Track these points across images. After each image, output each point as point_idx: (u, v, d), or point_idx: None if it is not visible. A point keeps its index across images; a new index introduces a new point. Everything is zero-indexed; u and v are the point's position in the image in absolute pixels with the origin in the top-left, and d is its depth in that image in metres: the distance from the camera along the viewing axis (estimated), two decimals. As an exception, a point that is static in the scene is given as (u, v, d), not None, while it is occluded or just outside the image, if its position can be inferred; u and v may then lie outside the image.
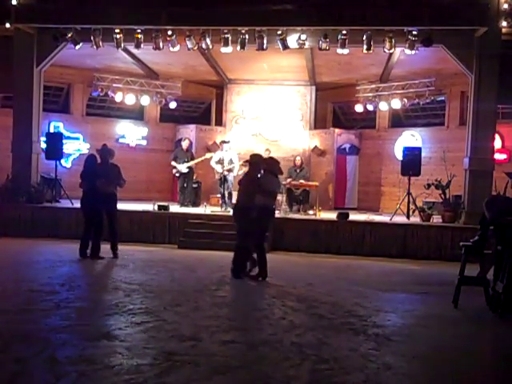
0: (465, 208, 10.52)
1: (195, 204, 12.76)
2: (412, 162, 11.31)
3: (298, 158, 12.99)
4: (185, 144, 12.95)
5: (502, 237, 5.80)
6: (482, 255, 6.28)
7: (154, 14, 10.77)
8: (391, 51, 10.86)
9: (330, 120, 16.00)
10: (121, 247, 8.83)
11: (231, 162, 12.22)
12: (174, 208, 11.86)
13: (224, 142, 12.34)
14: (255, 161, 7.66)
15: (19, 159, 11.60)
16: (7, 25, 11.40)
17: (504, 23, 10.26)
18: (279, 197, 12.89)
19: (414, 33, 10.21)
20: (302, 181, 12.28)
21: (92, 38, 10.93)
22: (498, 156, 11.88)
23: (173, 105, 15.19)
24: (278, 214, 11.53)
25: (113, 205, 8.73)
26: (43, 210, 11.23)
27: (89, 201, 8.45)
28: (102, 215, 8.53)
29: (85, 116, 14.92)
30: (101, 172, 8.46)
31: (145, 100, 14.92)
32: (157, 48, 11.03)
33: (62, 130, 13.98)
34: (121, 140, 15.09)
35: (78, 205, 11.53)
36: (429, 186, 11.09)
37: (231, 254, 9.55)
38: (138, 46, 11.09)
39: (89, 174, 8.49)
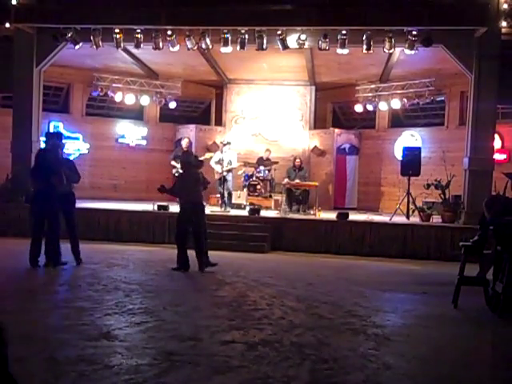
0: (464, 208, 10.52)
1: (195, 204, 12.74)
2: (412, 162, 11.32)
3: (298, 159, 13.00)
4: (185, 143, 12.95)
5: (501, 237, 5.80)
6: (481, 255, 6.28)
7: (154, 13, 10.77)
8: (391, 51, 10.86)
9: (330, 120, 16.00)
10: (121, 247, 8.83)
11: (230, 162, 12.23)
12: (174, 208, 11.84)
13: (224, 144, 12.34)
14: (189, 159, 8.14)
15: (19, 159, 11.58)
16: (7, 25, 11.41)
17: (504, 23, 10.27)
18: (279, 197, 12.94)
19: (414, 33, 10.21)
20: (300, 180, 12.28)
21: (92, 37, 10.92)
22: (497, 156, 11.88)
23: (172, 105, 15.19)
24: (277, 214, 11.57)
25: (71, 205, 7.93)
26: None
27: (41, 201, 7.49)
28: (59, 217, 7.66)
29: (84, 116, 14.92)
30: (54, 168, 7.50)
31: (144, 100, 14.91)
32: (157, 48, 11.03)
33: (61, 129, 13.97)
34: (120, 140, 15.09)
35: (78, 204, 11.59)
36: (428, 186, 11.09)
37: (231, 254, 9.56)
38: (137, 46, 11.09)
39: (41, 170, 7.56)
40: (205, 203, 12.34)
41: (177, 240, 7.90)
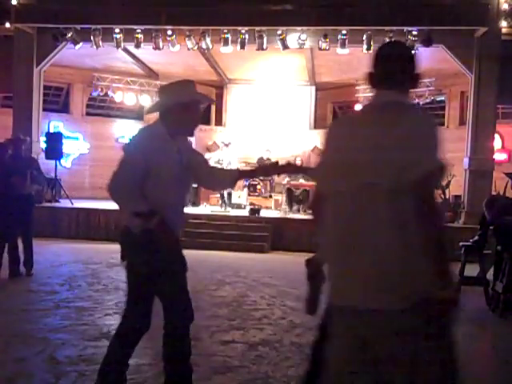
0: (464, 208, 10.52)
1: (195, 204, 12.75)
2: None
3: (299, 158, 12.99)
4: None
5: (501, 237, 5.80)
6: (481, 255, 6.28)
7: (154, 13, 10.77)
8: (391, 51, 10.86)
9: (330, 120, 15.98)
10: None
11: (230, 162, 12.23)
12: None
13: (225, 145, 12.34)
14: None
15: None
16: (7, 25, 11.41)
17: (504, 23, 10.28)
18: (279, 197, 12.93)
19: (414, 33, 10.22)
20: (301, 181, 12.27)
21: (92, 37, 10.93)
22: (497, 156, 11.88)
23: (173, 105, 15.18)
24: (277, 214, 11.57)
25: (28, 209, 6.89)
26: (43, 210, 11.21)
27: None
28: (16, 222, 6.79)
29: (84, 116, 14.92)
30: (15, 167, 6.73)
31: (145, 100, 14.91)
32: (157, 48, 11.04)
33: (61, 129, 13.98)
34: (121, 140, 15.07)
35: (78, 204, 11.63)
36: (429, 185, 11.07)
37: (231, 254, 9.57)
38: (137, 46, 11.10)
39: None
40: (205, 203, 12.34)
41: None
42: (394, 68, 1.92)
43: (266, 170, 3.65)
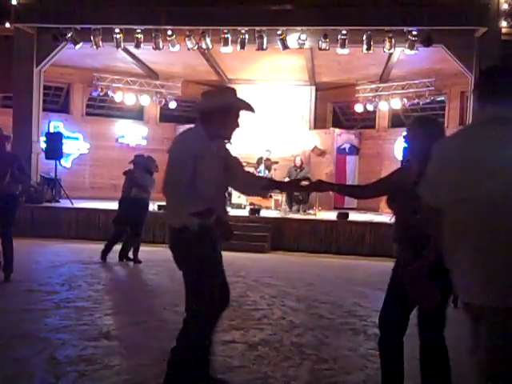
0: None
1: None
2: (412, 162, 11.31)
3: (298, 158, 12.99)
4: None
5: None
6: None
7: (154, 13, 10.78)
8: (391, 51, 10.87)
9: (330, 120, 16.01)
10: (120, 246, 8.79)
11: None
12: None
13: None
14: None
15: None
16: (7, 25, 11.42)
17: (504, 23, 10.28)
18: (279, 197, 12.93)
19: (414, 33, 10.23)
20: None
21: (92, 37, 10.94)
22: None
23: (173, 105, 15.19)
24: (277, 214, 11.57)
25: (8, 210, 6.41)
26: (43, 210, 11.23)
27: None
28: None
29: (85, 116, 14.93)
30: None
31: (145, 100, 14.92)
32: (157, 48, 11.05)
33: (61, 129, 13.98)
34: (120, 140, 15.10)
35: (78, 204, 11.63)
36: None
37: (231, 254, 9.54)
38: (137, 46, 11.11)
39: None
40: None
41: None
42: (503, 84, 2.05)
43: (295, 186, 3.75)
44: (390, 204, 3.10)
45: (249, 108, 3.33)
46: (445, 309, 2.97)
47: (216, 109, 3.05)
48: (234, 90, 3.22)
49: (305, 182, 3.54)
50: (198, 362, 3.15)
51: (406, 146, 3.07)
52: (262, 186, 3.42)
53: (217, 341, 4.44)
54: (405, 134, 3.06)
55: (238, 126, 3.22)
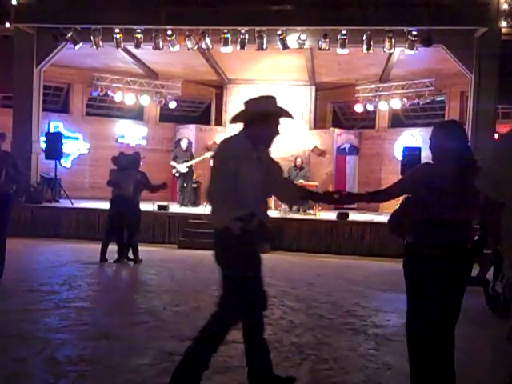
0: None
1: (195, 204, 12.77)
2: (412, 162, 11.24)
3: (299, 159, 12.99)
4: (184, 144, 12.96)
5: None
6: (481, 255, 6.27)
7: (154, 13, 10.78)
8: (391, 51, 10.87)
9: (330, 120, 16.00)
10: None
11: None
12: (174, 208, 11.86)
13: None
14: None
15: (19, 159, 11.56)
16: (7, 25, 11.42)
17: (504, 23, 10.28)
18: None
19: (414, 33, 10.23)
20: (301, 181, 12.26)
21: (92, 37, 10.94)
22: (497, 156, 11.87)
23: (172, 105, 15.19)
24: (277, 214, 11.57)
25: (4, 211, 6.32)
26: (43, 210, 11.23)
27: None
28: None
29: (84, 116, 14.92)
30: None
31: (144, 100, 14.91)
32: (157, 48, 11.04)
33: (61, 129, 13.98)
34: (120, 140, 15.08)
35: (78, 204, 11.63)
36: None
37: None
38: (137, 46, 11.11)
39: None
40: (205, 203, 12.27)
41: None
42: None
43: (329, 198, 3.74)
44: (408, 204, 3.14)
45: (288, 115, 3.37)
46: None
47: (258, 116, 3.15)
48: (274, 98, 3.28)
49: (337, 195, 3.54)
50: (207, 359, 3.25)
51: (433, 147, 3.13)
52: (299, 196, 3.52)
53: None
54: (431, 136, 3.15)
55: (278, 133, 3.28)
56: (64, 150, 12.96)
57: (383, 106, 14.23)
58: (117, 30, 10.88)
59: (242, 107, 3.28)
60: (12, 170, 6.18)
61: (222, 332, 3.23)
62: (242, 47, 10.84)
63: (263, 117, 3.15)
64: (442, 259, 2.93)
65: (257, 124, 3.16)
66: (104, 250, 8.19)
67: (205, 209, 11.90)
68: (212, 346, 3.22)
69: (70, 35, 10.97)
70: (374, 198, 3.66)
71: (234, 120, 3.35)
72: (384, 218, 11.22)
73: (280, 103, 3.30)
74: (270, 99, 3.26)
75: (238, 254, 3.10)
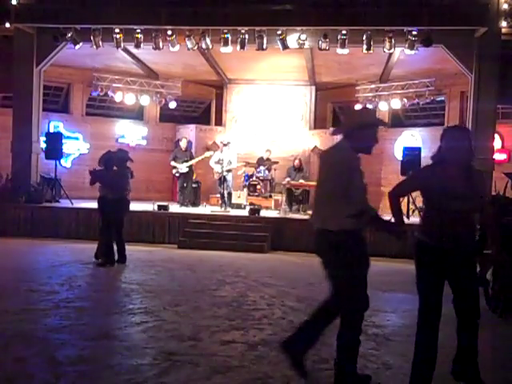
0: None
1: (195, 204, 12.77)
2: (412, 162, 11.30)
3: (296, 160, 12.96)
4: (183, 143, 12.96)
5: (501, 237, 5.79)
6: (481, 255, 6.27)
7: (154, 13, 10.77)
8: (391, 51, 10.86)
9: (330, 120, 15.99)
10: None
11: (230, 162, 12.23)
12: (174, 208, 11.86)
13: (224, 144, 12.34)
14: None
15: (19, 159, 11.60)
16: (7, 25, 11.42)
17: (504, 23, 10.28)
18: (279, 197, 12.94)
19: (414, 33, 10.22)
20: (301, 181, 12.28)
21: (92, 37, 10.93)
22: (497, 156, 11.87)
23: (172, 105, 15.19)
24: (277, 214, 11.57)
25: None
26: (43, 210, 11.23)
27: None
28: None
29: (84, 116, 14.91)
30: None
31: (144, 100, 14.91)
32: (157, 48, 11.04)
33: (61, 129, 13.98)
34: (120, 140, 15.07)
35: (78, 205, 11.63)
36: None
37: (231, 254, 9.56)
38: (137, 46, 11.10)
39: None
40: (205, 203, 12.29)
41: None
42: None
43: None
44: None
45: (384, 124, 4.04)
46: None
47: (360, 127, 3.49)
48: (373, 110, 3.83)
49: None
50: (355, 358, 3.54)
51: (444, 149, 3.42)
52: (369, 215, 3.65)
53: (217, 341, 4.45)
54: (443, 139, 3.47)
55: (377, 141, 3.61)
56: (64, 150, 12.96)
57: (383, 106, 14.22)
58: (117, 30, 10.87)
59: (343, 119, 3.68)
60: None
61: (357, 320, 3.53)
62: (242, 47, 10.83)
63: (366, 128, 3.50)
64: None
65: (361, 134, 3.48)
66: (111, 251, 7.98)
67: (205, 209, 11.92)
68: (354, 342, 3.51)
69: (70, 35, 10.96)
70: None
71: (336, 132, 3.78)
72: (384, 218, 11.24)
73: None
74: (371, 111, 3.73)
75: (350, 255, 3.42)
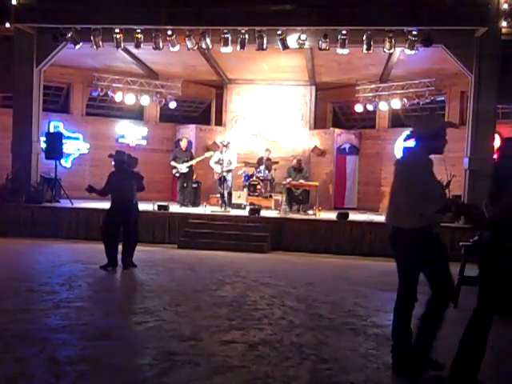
0: (465, 208, 10.51)
1: (195, 204, 12.77)
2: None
3: (294, 160, 12.94)
4: (183, 143, 12.96)
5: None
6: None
7: (154, 13, 10.77)
8: (391, 51, 10.86)
9: (330, 120, 16.01)
10: (121, 247, 8.77)
11: (230, 162, 12.23)
12: (174, 208, 11.86)
13: (224, 144, 12.34)
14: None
15: (19, 159, 11.60)
16: (7, 25, 11.41)
17: (504, 23, 10.27)
18: (279, 197, 12.94)
19: (414, 33, 10.21)
20: (301, 181, 12.27)
21: (92, 37, 10.93)
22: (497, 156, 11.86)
23: (173, 105, 15.19)
24: (277, 214, 11.57)
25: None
26: (43, 210, 11.23)
27: None
28: None
29: (85, 116, 14.92)
30: None
31: (145, 100, 14.92)
32: (157, 48, 11.04)
33: (61, 129, 13.98)
34: (121, 140, 15.09)
35: (78, 205, 11.63)
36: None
37: (231, 254, 9.57)
38: (137, 46, 11.10)
39: None
40: (205, 203, 12.27)
41: (105, 237, 7.86)
42: None
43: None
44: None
45: (453, 125, 4.27)
46: None
47: (435, 132, 3.82)
48: (440, 115, 4.08)
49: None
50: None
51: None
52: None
53: (217, 341, 4.45)
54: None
55: (447, 142, 3.89)
56: (64, 150, 12.96)
57: (383, 106, 14.23)
58: (117, 30, 10.87)
59: (414, 125, 4.09)
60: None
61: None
62: (242, 47, 10.83)
63: (439, 132, 3.82)
64: None
65: (434, 138, 3.81)
66: (115, 253, 7.79)
67: (205, 209, 11.92)
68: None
69: (70, 35, 10.95)
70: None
71: (409, 138, 4.02)
72: (384, 218, 11.24)
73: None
74: (440, 117, 4.22)
75: (427, 250, 3.79)
